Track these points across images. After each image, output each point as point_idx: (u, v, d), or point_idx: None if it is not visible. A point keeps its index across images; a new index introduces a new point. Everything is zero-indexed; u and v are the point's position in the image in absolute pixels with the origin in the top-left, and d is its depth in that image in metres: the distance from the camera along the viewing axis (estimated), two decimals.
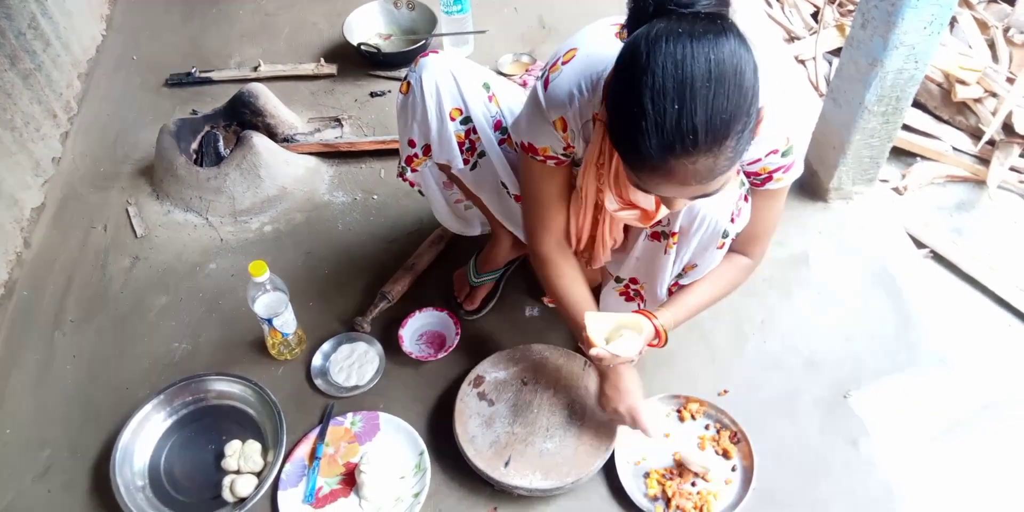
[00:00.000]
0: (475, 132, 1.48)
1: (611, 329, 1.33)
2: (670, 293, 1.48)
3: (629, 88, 0.96)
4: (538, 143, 1.30)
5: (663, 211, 1.14)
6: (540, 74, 1.25)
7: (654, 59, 0.92)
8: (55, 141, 2.26)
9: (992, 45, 2.32)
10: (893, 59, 1.63)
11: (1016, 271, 1.86)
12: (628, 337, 1.32)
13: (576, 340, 1.64)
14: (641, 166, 1.01)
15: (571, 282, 1.45)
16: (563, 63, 1.21)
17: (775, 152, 1.21)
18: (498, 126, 1.50)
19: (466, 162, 1.52)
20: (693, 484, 1.51)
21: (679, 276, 1.46)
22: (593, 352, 1.30)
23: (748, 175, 1.28)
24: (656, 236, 1.36)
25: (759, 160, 1.22)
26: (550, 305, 1.80)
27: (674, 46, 0.92)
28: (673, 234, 1.32)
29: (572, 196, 1.36)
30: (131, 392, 1.73)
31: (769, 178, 1.26)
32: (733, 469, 1.53)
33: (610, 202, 1.18)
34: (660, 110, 0.93)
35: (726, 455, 1.55)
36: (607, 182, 1.17)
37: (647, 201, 1.18)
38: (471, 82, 1.45)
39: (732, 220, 1.32)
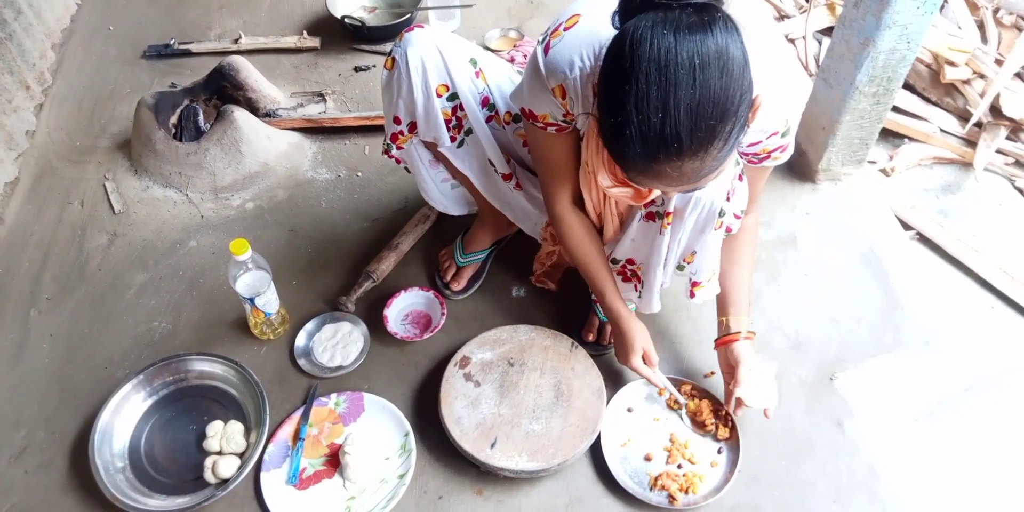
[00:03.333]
0: (462, 109, 1.45)
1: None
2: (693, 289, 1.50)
3: (613, 94, 0.94)
4: (538, 110, 1.28)
5: (656, 191, 1.13)
6: (541, 38, 1.21)
7: (637, 65, 0.91)
8: (28, 114, 2.20)
9: (982, 26, 2.31)
10: (885, 39, 1.61)
11: (1000, 253, 1.87)
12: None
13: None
14: (629, 168, 1.01)
15: (584, 241, 1.47)
16: (565, 28, 1.17)
17: (775, 134, 1.20)
18: (485, 103, 1.46)
19: (453, 139, 1.50)
20: (679, 466, 1.51)
21: (680, 268, 1.45)
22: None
23: (746, 155, 1.27)
24: (651, 217, 1.35)
25: (759, 142, 1.21)
26: (537, 285, 1.79)
27: (657, 49, 0.89)
28: (667, 214, 1.30)
29: (580, 171, 1.34)
30: (110, 372, 1.70)
31: (767, 157, 1.26)
32: (719, 451, 1.53)
33: (603, 178, 1.16)
34: (644, 119, 0.92)
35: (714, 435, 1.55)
36: (601, 159, 1.15)
37: None
38: (458, 58, 1.41)
39: (728, 199, 1.31)
